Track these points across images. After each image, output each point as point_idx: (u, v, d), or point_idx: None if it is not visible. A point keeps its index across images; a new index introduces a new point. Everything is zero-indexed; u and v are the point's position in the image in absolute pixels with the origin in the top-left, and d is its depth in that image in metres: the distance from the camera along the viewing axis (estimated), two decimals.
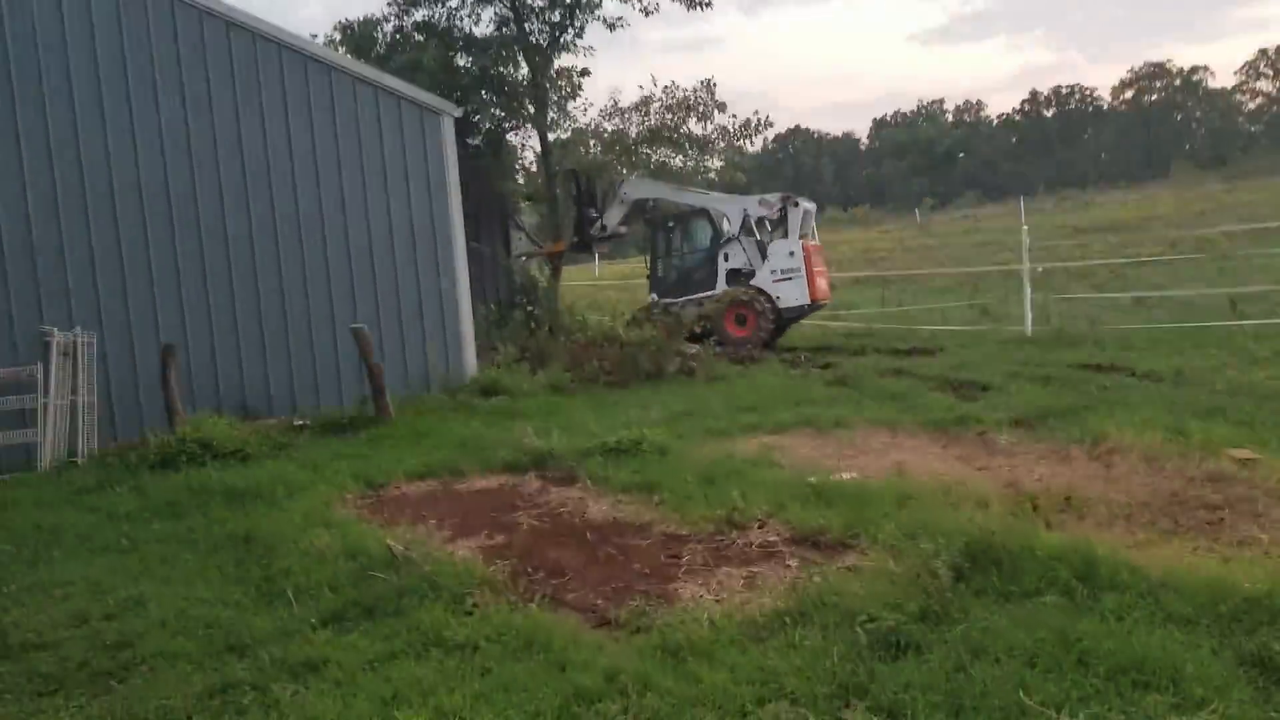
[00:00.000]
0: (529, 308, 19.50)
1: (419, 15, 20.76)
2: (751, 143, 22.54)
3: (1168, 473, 8.04)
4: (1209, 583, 5.35)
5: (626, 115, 22.18)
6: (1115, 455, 8.69)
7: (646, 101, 21.89)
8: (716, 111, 22.15)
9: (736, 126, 22.38)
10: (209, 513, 8.66)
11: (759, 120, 22.46)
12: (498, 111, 21.19)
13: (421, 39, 20.18)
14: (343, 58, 15.19)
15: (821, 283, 20.15)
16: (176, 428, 11.27)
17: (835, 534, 6.95)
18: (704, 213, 20.61)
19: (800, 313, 20.00)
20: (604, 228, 21.12)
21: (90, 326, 12.08)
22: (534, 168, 22.35)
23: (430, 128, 14.65)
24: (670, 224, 21.39)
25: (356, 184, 14.09)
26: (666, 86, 22.10)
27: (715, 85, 22.21)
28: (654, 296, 20.90)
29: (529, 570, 6.79)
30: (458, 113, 15.23)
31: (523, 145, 22.80)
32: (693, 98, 21.77)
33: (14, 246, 11.84)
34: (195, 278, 12.97)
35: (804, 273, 19.47)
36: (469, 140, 20.74)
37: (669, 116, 21.81)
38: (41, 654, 5.76)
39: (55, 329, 11.63)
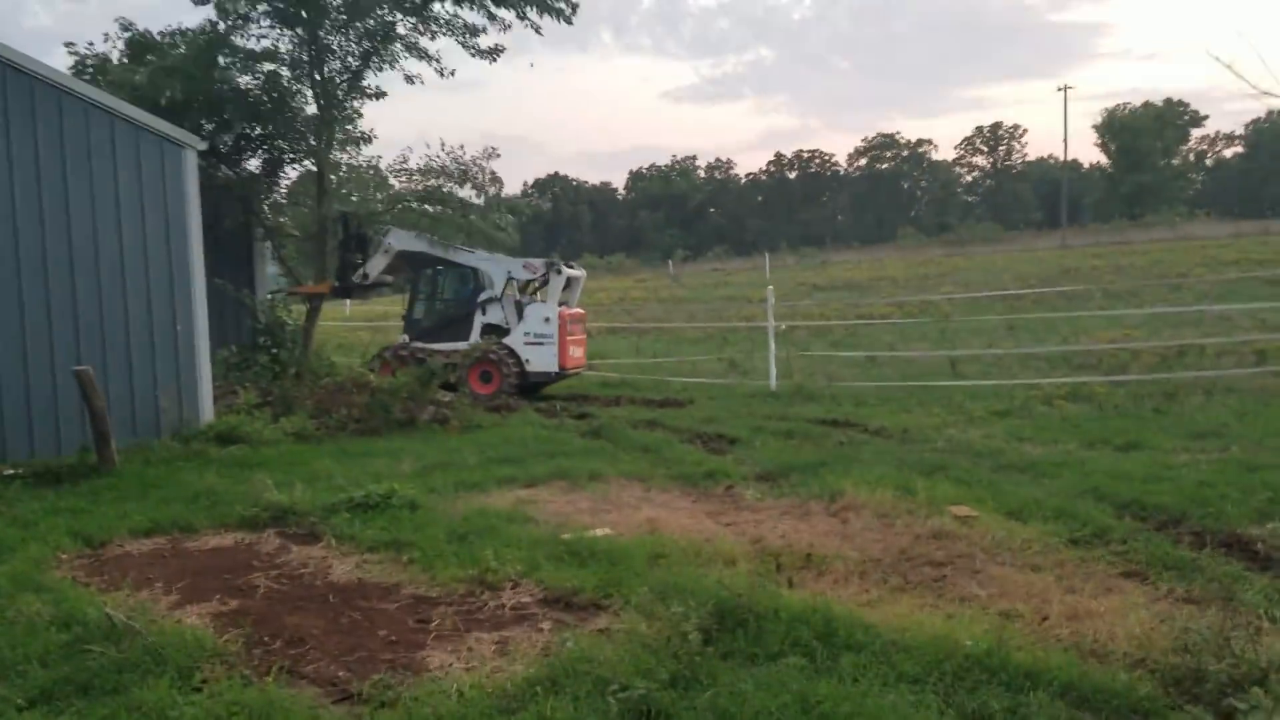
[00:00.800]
0: (273, 350, 18.65)
1: (199, 18, 19.65)
2: (506, 216, 22.64)
3: (897, 529, 8.52)
4: (934, 640, 5.68)
5: (410, 176, 21.91)
6: (851, 512, 9.14)
7: (429, 166, 21.67)
8: (489, 185, 22.26)
9: (494, 199, 22.79)
10: None
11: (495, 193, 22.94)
12: (280, 143, 20.27)
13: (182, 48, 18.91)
14: (73, 79, 14.07)
15: (576, 351, 20.20)
16: None
17: (588, 594, 6.94)
18: (469, 268, 20.49)
19: (547, 379, 19.86)
20: (365, 276, 20.76)
21: None
22: (304, 204, 21.47)
23: (171, 161, 13.78)
24: (433, 271, 21.14)
25: (85, 216, 13.02)
26: (450, 150, 21.94)
27: (497, 156, 22.32)
28: (404, 337, 20.61)
29: (265, 639, 6.39)
30: (202, 145, 14.43)
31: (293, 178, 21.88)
32: (472, 167, 21.68)
33: None
34: None
35: (556, 340, 19.42)
36: (235, 170, 19.76)
37: (443, 180, 21.61)
38: None
39: None
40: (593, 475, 11.27)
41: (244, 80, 19.46)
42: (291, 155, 20.60)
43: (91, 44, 20.49)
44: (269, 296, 20.51)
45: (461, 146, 23.51)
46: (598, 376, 22.63)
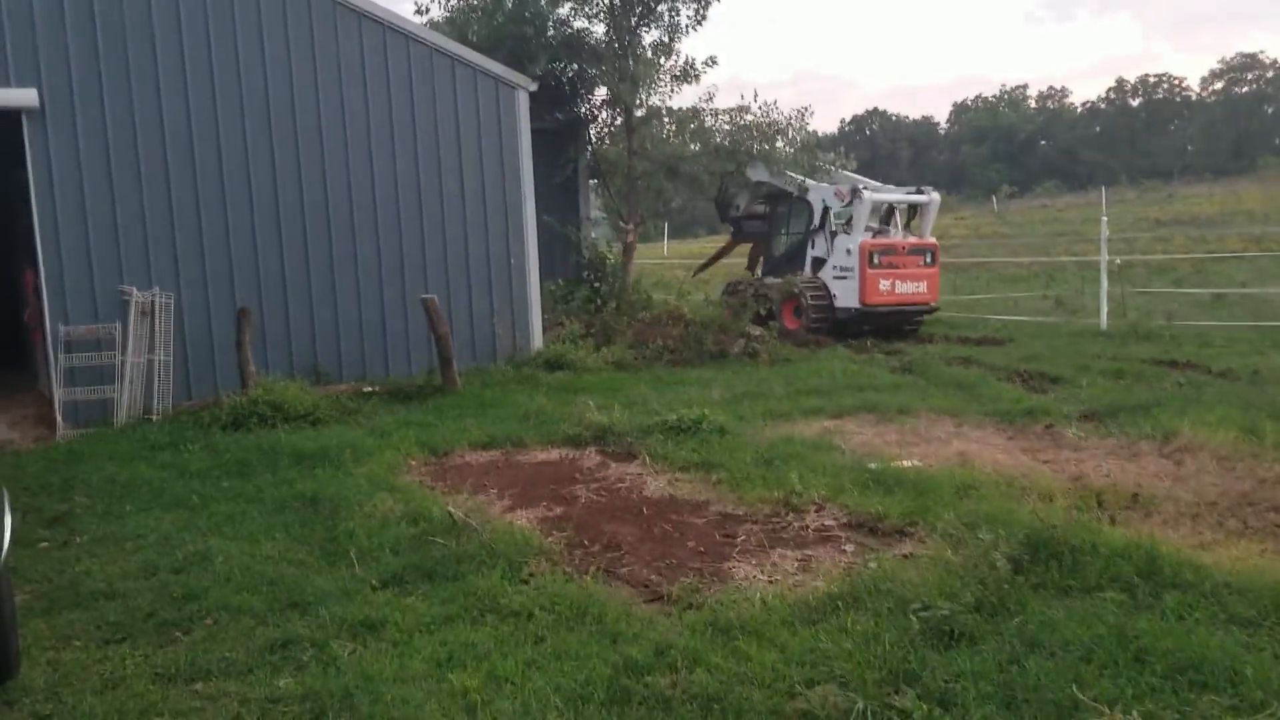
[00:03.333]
0: (595, 284, 19.55)
1: None
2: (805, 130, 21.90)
3: (1239, 473, 7.86)
4: (1274, 586, 5.23)
5: (717, 116, 21.76)
6: (1186, 454, 8.51)
7: (741, 111, 21.48)
8: (799, 139, 21.53)
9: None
10: (277, 473, 8.87)
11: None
12: (578, 87, 21.03)
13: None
14: (420, 27, 15.24)
15: (905, 286, 18.20)
16: (249, 389, 11.53)
17: (893, 521, 6.92)
18: (802, 200, 20.04)
19: (849, 315, 18.19)
20: (738, 208, 21.15)
21: (168, 286, 12.36)
22: (607, 143, 22.09)
23: (505, 101, 14.72)
24: (787, 208, 20.97)
25: (431, 155, 14.22)
26: (764, 104, 21.56)
27: (811, 114, 21.72)
28: (757, 272, 20.76)
29: (585, 543, 6.86)
30: (533, 87, 15.26)
31: (608, 117, 22.46)
32: (784, 122, 21.24)
33: (96, 205, 12.13)
34: (271, 242, 13.19)
35: (858, 274, 17.89)
36: (556, 114, 20.70)
37: (754, 135, 21.34)
38: (111, 603, 5.95)
39: (134, 288, 11.95)
40: (902, 409, 11.11)
41: (551, 17, 20.08)
42: (602, 96, 21.11)
43: (426, 4, 21.74)
44: (593, 236, 21.45)
45: (775, 102, 22.73)
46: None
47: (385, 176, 13.91)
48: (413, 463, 9.44)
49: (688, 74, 20.83)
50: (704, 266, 24.03)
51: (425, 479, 8.85)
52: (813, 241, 19.29)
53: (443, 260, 14.36)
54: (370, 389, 12.99)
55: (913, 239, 18.79)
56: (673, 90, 21.16)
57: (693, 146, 21.39)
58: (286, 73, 13.20)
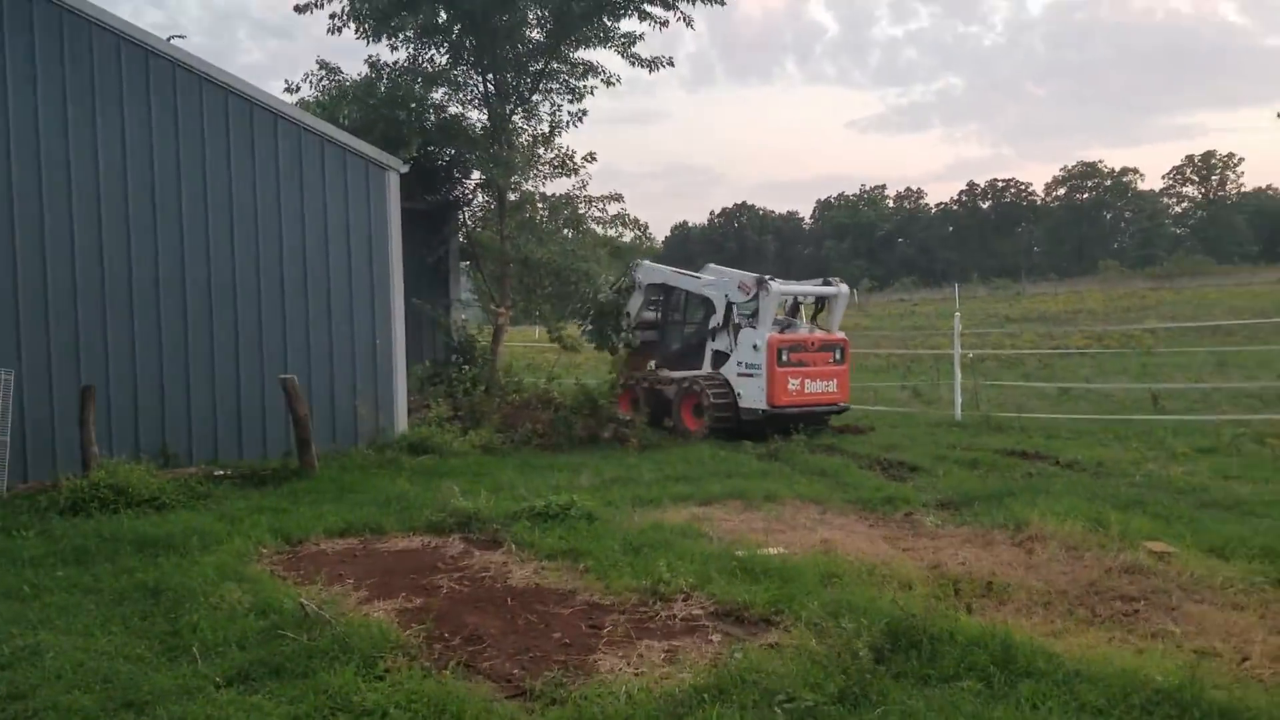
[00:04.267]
0: (464, 367, 19.36)
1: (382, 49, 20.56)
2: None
3: (1087, 562, 8.13)
4: (1123, 673, 5.39)
5: (590, 203, 22.10)
6: (1037, 543, 8.77)
7: (614, 199, 21.95)
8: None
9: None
10: (118, 562, 8.39)
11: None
12: (453, 170, 21.12)
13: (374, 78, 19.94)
14: (289, 105, 15.06)
15: (814, 386, 16.79)
16: (91, 471, 10.93)
17: (759, 610, 6.91)
18: (701, 296, 18.58)
19: (755, 416, 16.52)
20: (628, 315, 19.58)
21: (8, 362, 11.73)
22: (480, 227, 22.16)
23: (375, 181, 14.62)
24: (682, 296, 19.37)
25: (296, 234, 13.97)
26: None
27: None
28: (652, 364, 19.15)
29: (445, 635, 6.64)
30: (404, 168, 15.22)
31: (482, 200, 22.56)
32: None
33: None
34: (122, 319, 12.66)
35: (764, 372, 16.37)
36: (430, 195, 20.64)
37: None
38: None
39: None
40: (768, 496, 11.21)
41: (428, 101, 20.18)
42: (474, 180, 21.26)
43: (297, 84, 21.62)
44: (463, 319, 21.27)
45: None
46: None
47: (246, 253, 13.59)
48: (264, 551, 9.05)
49: (565, 166, 21.17)
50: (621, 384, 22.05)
51: (277, 568, 8.49)
52: (713, 335, 17.78)
53: (305, 340, 14.02)
54: (222, 472, 12.47)
55: (820, 334, 17.50)
56: (549, 177, 21.48)
57: (566, 233, 21.61)
58: (146, 145, 12.86)
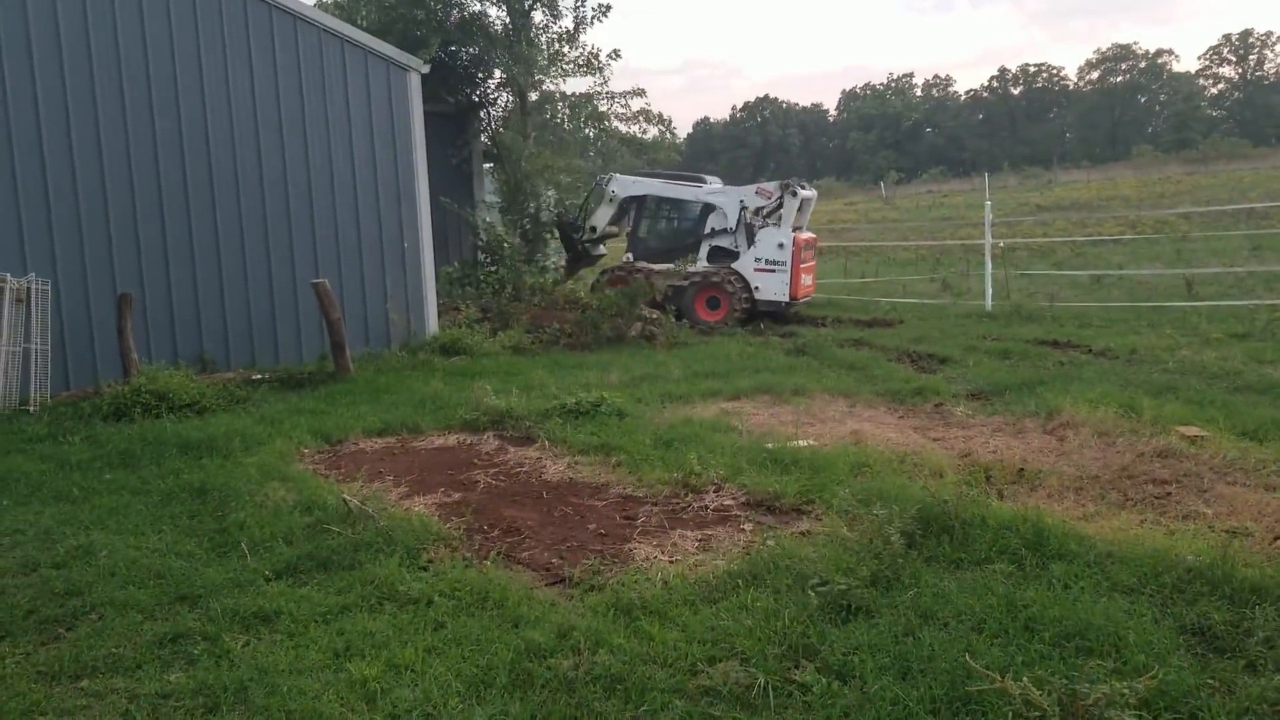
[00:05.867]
0: (493, 268, 19.37)
1: None
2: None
3: (1119, 448, 8.17)
4: (1153, 554, 5.47)
5: (612, 99, 21.93)
6: (1068, 430, 8.81)
7: (636, 94, 21.78)
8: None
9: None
10: (163, 464, 8.57)
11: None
12: (475, 70, 20.83)
13: None
14: (308, 8, 14.82)
15: (806, 279, 19.00)
16: (132, 378, 11.11)
17: (790, 499, 7.02)
18: (702, 203, 19.56)
19: (776, 308, 18.48)
20: (594, 229, 20.23)
21: (45, 273, 11.84)
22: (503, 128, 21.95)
23: (397, 83, 14.46)
24: (660, 199, 20.30)
25: (321, 137, 13.89)
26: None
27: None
28: (629, 256, 20.16)
29: (484, 528, 6.80)
30: (425, 69, 15.02)
31: (495, 101, 22.32)
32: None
33: None
34: (154, 225, 12.71)
35: (789, 267, 18.23)
36: (452, 97, 20.40)
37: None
38: None
39: (8, 275, 11.40)
40: (797, 390, 11.27)
41: (437, 2, 19.82)
42: (496, 79, 21.00)
43: None
44: (487, 220, 21.16)
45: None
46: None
47: (273, 159, 13.54)
48: (305, 451, 9.23)
49: (591, 64, 20.91)
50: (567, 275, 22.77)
51: (318, 467, 8.66)
52: (713, 235, 19.17)
53: (334, 244, 14.06)
54: (259, 376, 12.65)
55: (809, 234, 19.48)
56: (571, 73, 21.21)
57: (588, 133, 21.44)
58: (169, 51, 12.73)
